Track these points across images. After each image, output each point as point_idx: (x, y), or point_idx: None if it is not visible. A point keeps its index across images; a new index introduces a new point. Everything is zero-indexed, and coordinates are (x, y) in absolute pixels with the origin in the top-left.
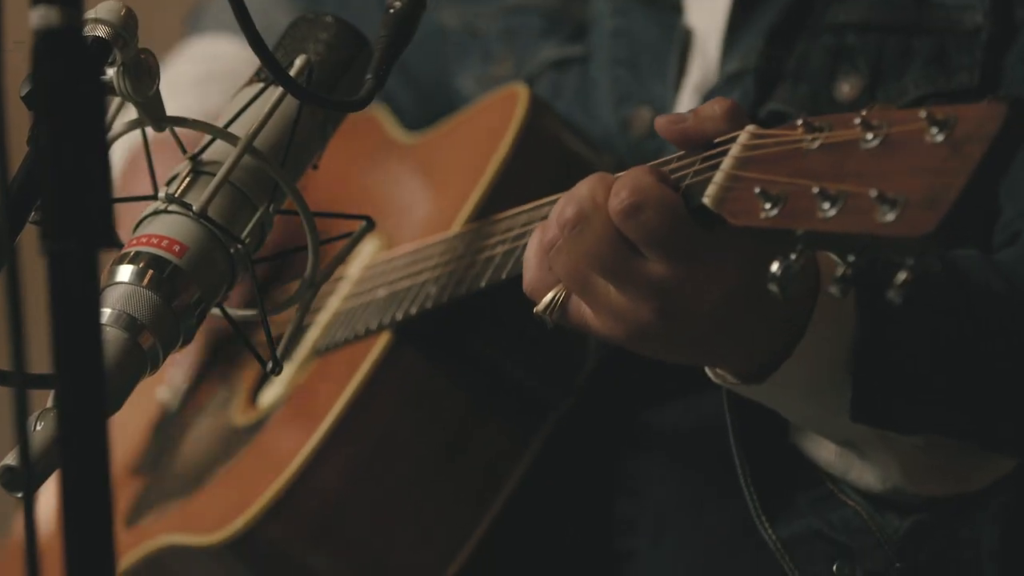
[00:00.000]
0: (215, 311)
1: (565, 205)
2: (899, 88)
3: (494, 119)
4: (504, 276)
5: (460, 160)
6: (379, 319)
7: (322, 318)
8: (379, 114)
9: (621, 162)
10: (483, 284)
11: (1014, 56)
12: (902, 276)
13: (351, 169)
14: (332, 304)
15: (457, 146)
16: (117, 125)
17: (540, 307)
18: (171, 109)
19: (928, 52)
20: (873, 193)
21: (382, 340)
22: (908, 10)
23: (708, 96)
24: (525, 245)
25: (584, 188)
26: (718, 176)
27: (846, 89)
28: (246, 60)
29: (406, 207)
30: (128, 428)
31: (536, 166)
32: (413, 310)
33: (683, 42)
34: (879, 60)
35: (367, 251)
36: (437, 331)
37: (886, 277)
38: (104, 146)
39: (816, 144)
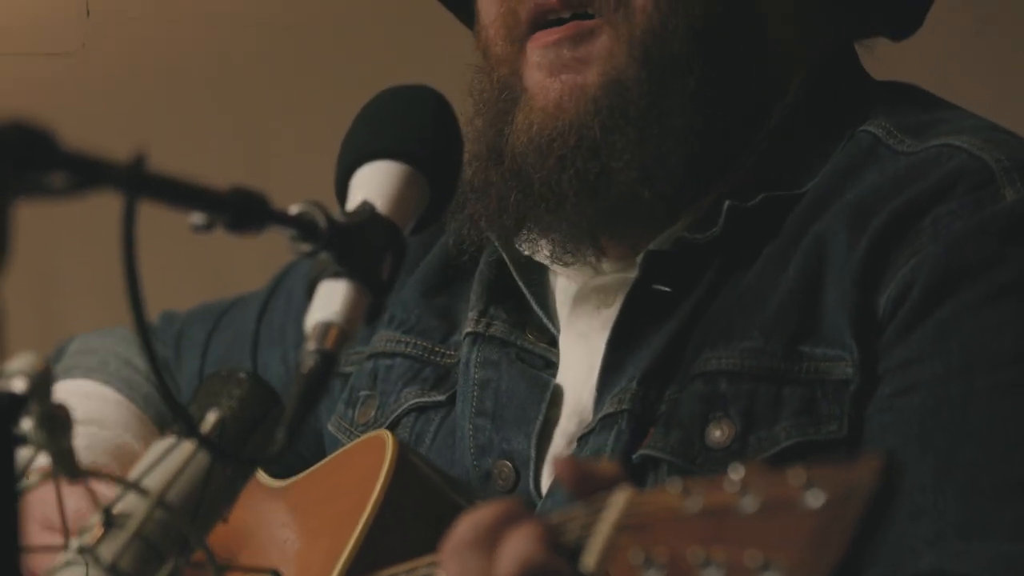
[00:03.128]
0: None
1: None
2: (770, 436)
3: (362, 467)
4: None
5: (331, 510)
6: None
7: None
8: None
9: None
10: None
11: (874, 407)
12: None
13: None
14: None
15: (327, 495)
16: (31, 475)
17: None
18: None
19: (798, 401)
20: (754, 560)
21: None
22: (779, 359)
23: (581, 440)
24: None
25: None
26: (599, 541)
27: (718, 435)
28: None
29: (282, 556)
30: None
31: (406, 513)
32: None
33: (553, 394)
34: (751, 408)
35: None
36: None
37: None
38: (16, 499)
39: (696, 508)
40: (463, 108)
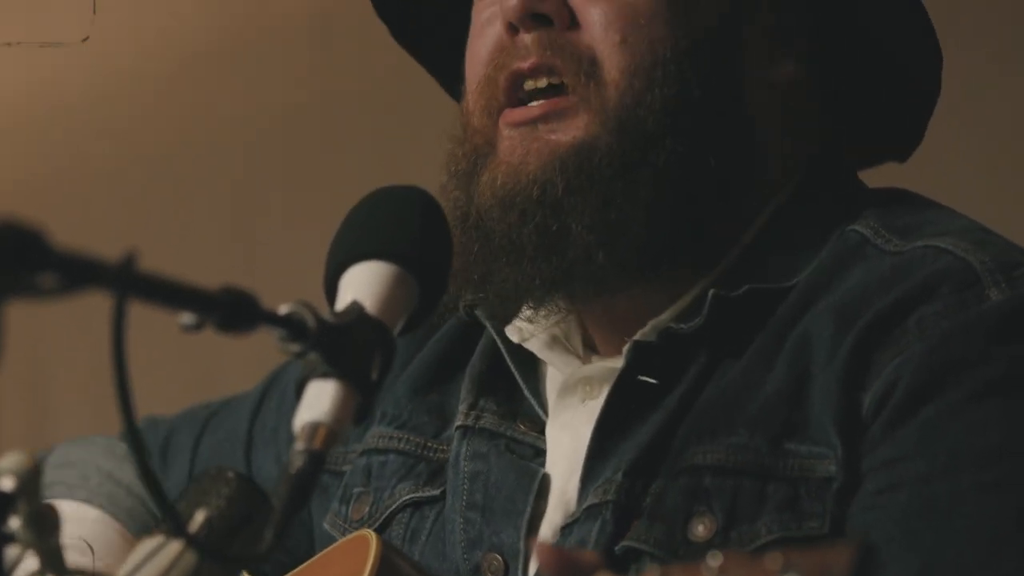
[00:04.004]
0: None
1: None
2: (752, 532)
3: (346, 567)
4: None
5: None
6: None
7: None
8: None
9: None
10: None
11: (857, 504)
12: None
13: None
14: None
15: None
16: (18, 573)
17: None
18: None
19: (782, 498)
20: None
21: None
22: (765, 455)
23: (565, 529)
24: None
25: None
26: None
27: (700, 530)
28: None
29: None
30: None
31: None
32: None
33: (540, 485)
34: (734, 503)
35: None
36: None
37: None
38: None
39: None
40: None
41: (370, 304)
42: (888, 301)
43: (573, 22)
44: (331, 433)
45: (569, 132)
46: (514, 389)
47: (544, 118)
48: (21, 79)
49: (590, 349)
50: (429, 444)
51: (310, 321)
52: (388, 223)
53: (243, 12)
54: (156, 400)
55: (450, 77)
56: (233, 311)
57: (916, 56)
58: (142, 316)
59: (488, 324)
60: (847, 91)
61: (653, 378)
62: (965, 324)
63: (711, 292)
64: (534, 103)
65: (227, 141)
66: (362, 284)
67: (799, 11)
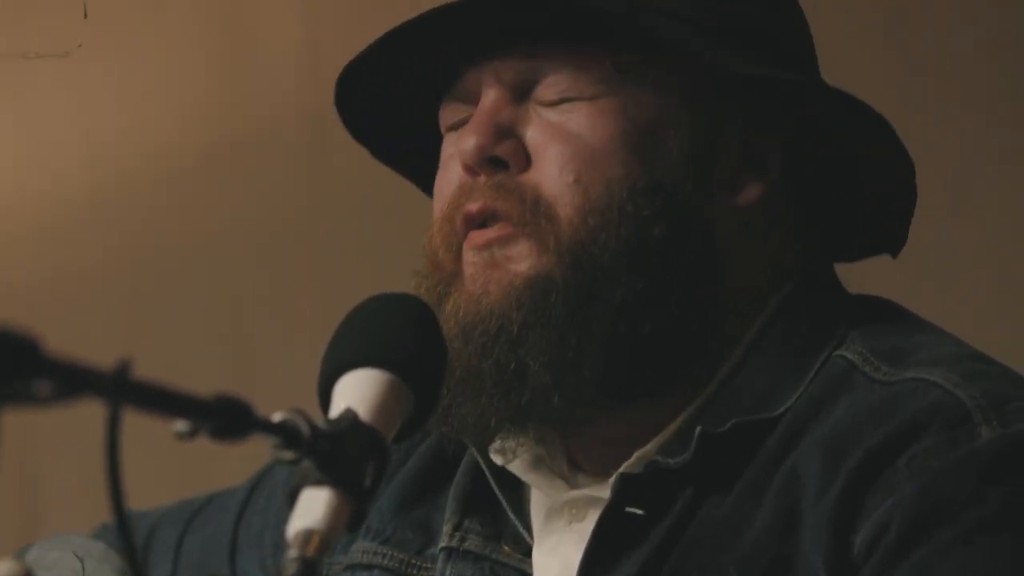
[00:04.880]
0: None
1: None
2: None
3: None
4: None
5: None
6: None
7: None
8: None
9: None
10: None
11: None
12: None
13: None
14: None
15: None
16: None
17: None
18: None
19: None
20: None
21: None
22: None
23: None
24: None
25: None
26: None
27: None
28: None
29: None
30: None
31: None
32: None
33: None
34: None
35: None
36: None
37: None
38: None
39: None
40: None
41: (364, 411)
42: (878, 439)
43: (528, 162)
44: (325, 541)
45: (523, 261)
46: (499, 509)
47: (500, 242)
48: (17, 183)
49: (575, 467)
50: (413, 561)
51: (304, 429)
52: (382, 331)
53: (241, 118)
54: (148, 501)
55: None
56: (227, 419)
57: (888, 165)
58: (136, 422)
59: (471, 445)
60: (819, 202)
61: (640, 509)
62: (956, 463)
63: (698, 430)
64: (489, 228)
65: (222, 247)
66: (356, 391)
67: (767, 137)
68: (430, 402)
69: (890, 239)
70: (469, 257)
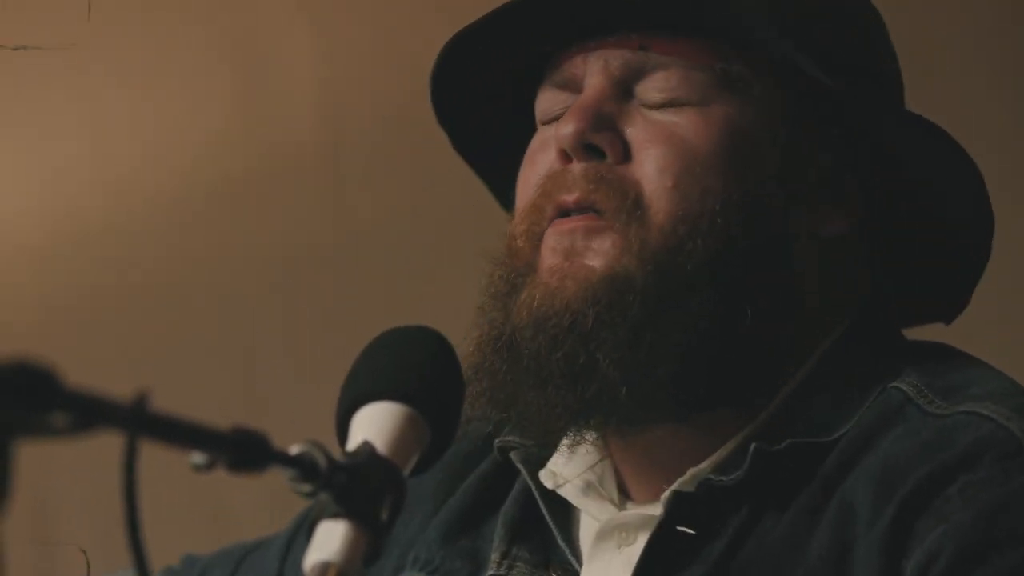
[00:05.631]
0: None
1: None
2: None
3: None
4: None
5: None
6: None
7: None
8: None
9: None
10: None
11: None
12: None
13: None
14: None
15: None
16: None
17: None
18: None
19: None
20: None
21: None
22: None
23: None
24: None
25: None
26: None
27: None
28: None
29: None
30: None
31: None
32: None
33: None
34: None
35: None
36: None
37: None
38: None
39: None
40: (463, 340)
41: (381, 444)
42: (930, 469)
43: (627, 156)
44: (341, 573)
45: (602, 257)
46: (547, 535)
47: (585, 231)
48: (32, 211)
49: (624, 495)
50: None
51: (321, 462)
52: (399, 364)
53: (256, 150)
54: (166, 539)
55: (503, 186)
56: (244, 451)
57: (968, 219)
58: (153, 454)
59: (523, 469)
60: (894, 249)
61: (692, 528)
62: (1008, 495)
63: (753, 446)
64: (576, 217)
65: (237, 279)
66: (373, 424)
67: (852, 166)
68: (447, 435)
69: (950, 304)
70: (550, 242)
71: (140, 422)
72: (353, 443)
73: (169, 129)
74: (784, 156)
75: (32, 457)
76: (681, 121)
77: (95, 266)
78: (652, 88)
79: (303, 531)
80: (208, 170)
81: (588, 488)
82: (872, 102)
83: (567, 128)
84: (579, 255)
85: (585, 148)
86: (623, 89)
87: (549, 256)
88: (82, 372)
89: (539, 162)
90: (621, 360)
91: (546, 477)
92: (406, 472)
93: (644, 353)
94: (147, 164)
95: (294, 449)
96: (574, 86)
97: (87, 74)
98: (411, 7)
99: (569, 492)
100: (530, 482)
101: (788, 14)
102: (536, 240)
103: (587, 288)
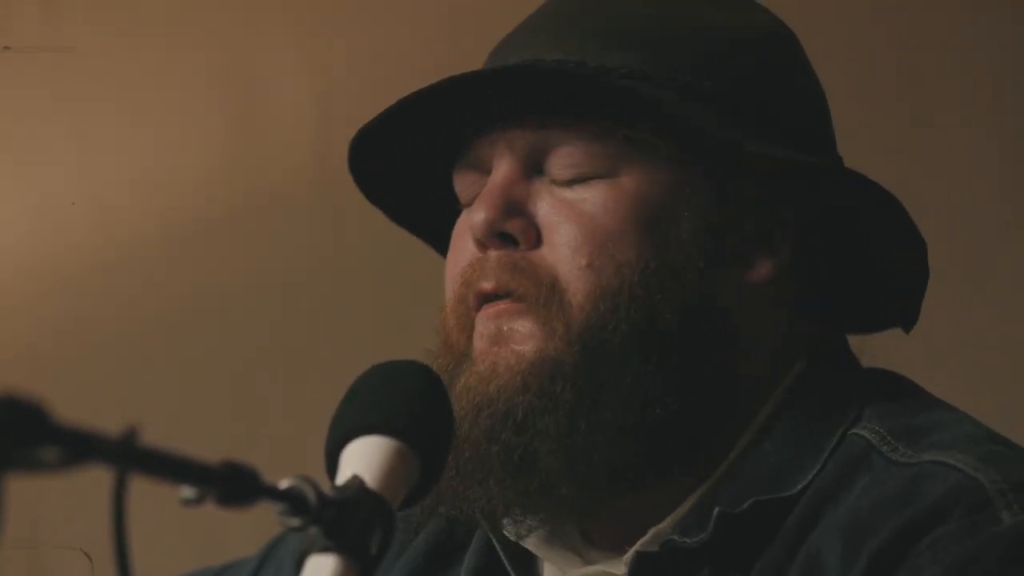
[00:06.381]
0: None
1: None
2: None
3: None
4: None
5: None
6: None
7: None
8: None
9: None
10: None
11: None
12: None
13: None
14: None
15: None
16: None
17: None
18: None
19: None
20: None
21: None
22: None
23: None
24: None
25: None
26: None
27: None
28: None
29: None
30: None
31: None
32: None
33: None
34: None
35: None
36: None
37: None
38: None
39: None
40: None
41: (370, 478)
42: (899, 523)
43: (539, 241)
44: None
45: (528, 341)
46: None
47: (509, 315)
48: (23, 245)
49: (589, 542)
50: None
51: (311, 496)
52: (389, 397)
53: (252, 182)
54: (155, 568)
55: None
56: (234, 485)
57: (899, 243)
58: (143, 488)
59: (483, 521)
60: (830, 279)
61: None
62: (978, 548)
63: (716, 511)
64: (497, 302)
65: (230, 311)
66: (363, 458)
67: (779, 214)
68: (436, 469)
69: (903, 315)
70: (479, 328)
71: (129, 457)
72: (343, 477)
73: (162, 157)
74: (703, 215)
75: (22, 490)
76: (590, 197)
77: (86, 297)
78: (559, 164)
79: (271, 562)
80: (203, 202)
81: (552, 537)
82: (780, 151)
83: (478, 216)
84: (506, 340)
85: (498, 236)
86: (531, 166)
87: (479, 342)
88: (71, 402)
89: (459, 249)
90: (559, 449)
91: (509, 527)
92: (396, 506)
93: (581, 439)
94: (141, 195)
95: (284, 483)
96: (484, 167)
97: (77, 100)
98: (406, 36)
99: (532, 543)
100: (491, 535)
101: (681, 75)
102: (468, 329)
103: (517, 374)
